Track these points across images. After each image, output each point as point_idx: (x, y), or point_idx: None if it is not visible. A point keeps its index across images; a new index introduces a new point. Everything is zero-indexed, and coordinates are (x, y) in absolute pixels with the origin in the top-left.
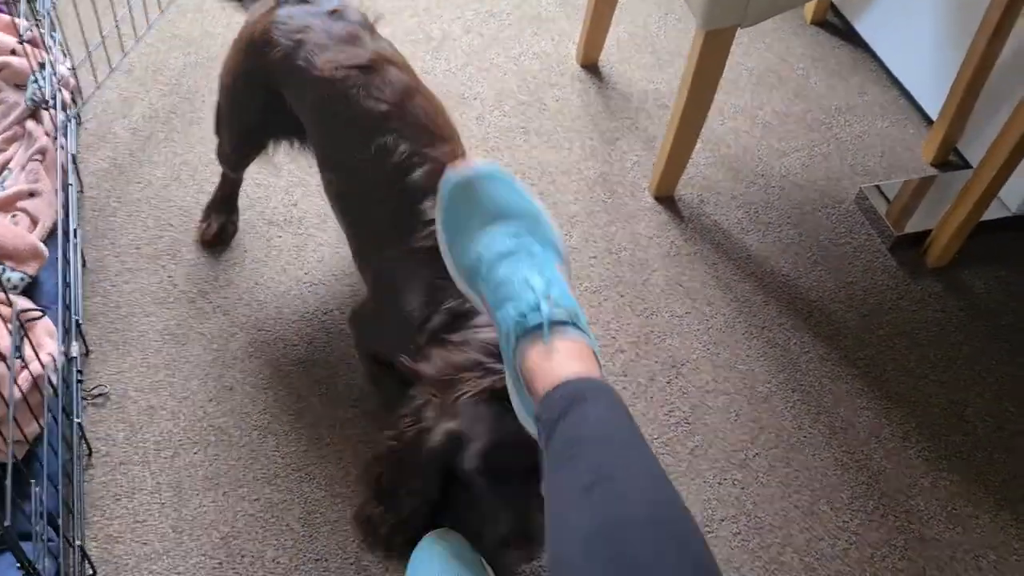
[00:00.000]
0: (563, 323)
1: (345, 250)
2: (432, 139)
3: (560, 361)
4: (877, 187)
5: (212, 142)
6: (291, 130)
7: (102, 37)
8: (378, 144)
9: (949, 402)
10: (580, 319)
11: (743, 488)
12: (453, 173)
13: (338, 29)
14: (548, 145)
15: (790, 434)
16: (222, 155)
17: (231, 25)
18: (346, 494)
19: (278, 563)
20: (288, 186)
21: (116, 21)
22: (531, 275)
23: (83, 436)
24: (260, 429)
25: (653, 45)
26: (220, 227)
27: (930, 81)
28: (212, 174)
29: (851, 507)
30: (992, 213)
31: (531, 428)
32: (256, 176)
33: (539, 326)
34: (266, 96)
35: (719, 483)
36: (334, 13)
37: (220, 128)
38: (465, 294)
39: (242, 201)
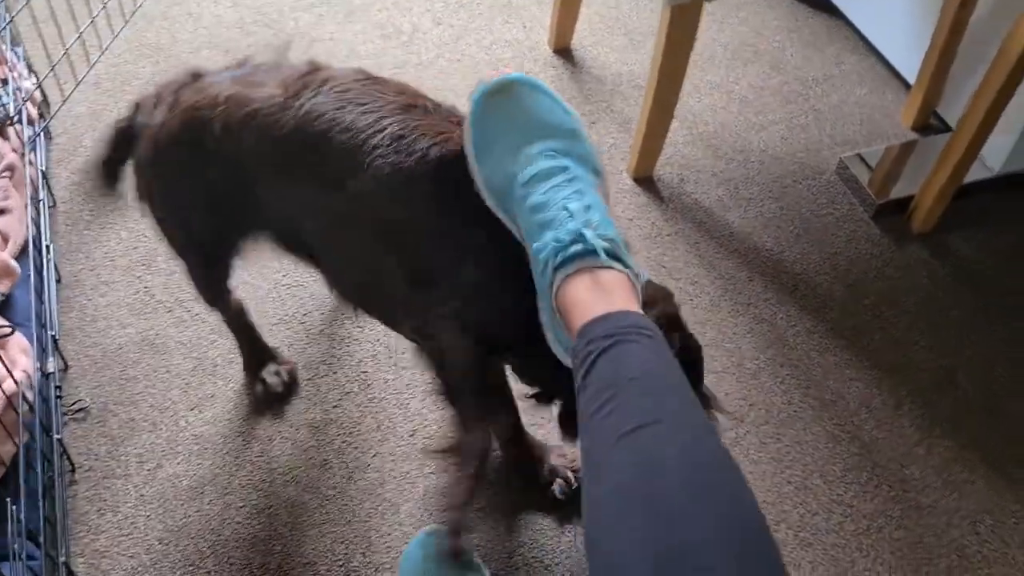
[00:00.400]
0: (605, 252)
1: None
2: (416, 110)
3: (601, 294)
4: (858, 155)
5: None
6: (256, 217)
7: (65, 50)
8: (366, 160)
9: (940, 368)
10: (622, 248)
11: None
12: (486, 81)
13: (267, 76)
14: None
15: (780, 409)
16: (198, 288)
17: (198, 31)
18: (332, 495)
19: (267, 569)
20: None
21: (80, 33)
22: (571, 199)
23: (64, 452)
24: (243, 435)
25: (625, 26)
26: (266, 385)
27: (906, 46)
28: None
29: (844, 479)
30: (975, 175)
31: (567, 362)
32: None
33: (579, 255)
34: (209, 187)
35: None
36: (259, 67)
37: (182, 259)
38: (495, 213)
39: None
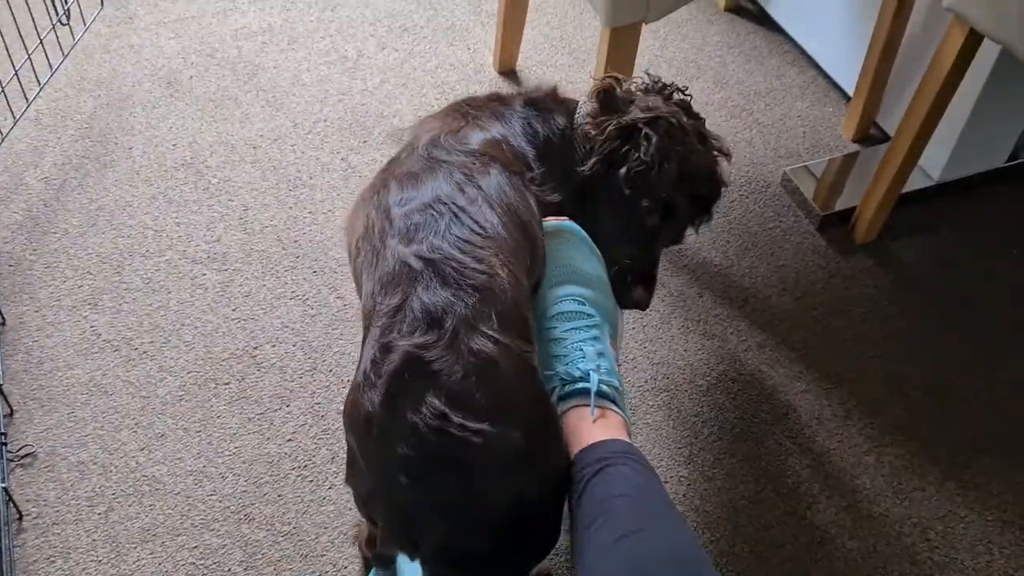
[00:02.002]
0: (605, 396)
1: (272, 282)
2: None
3: (597, 427)
4: (803, 167)
5: (128, 183)
6: None
7: (2, 88)
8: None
9: (888, 376)
10: (621, 398)
11: (690, 484)
12: (546, 222)
13: None
14: None
15: (733, 425)
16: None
17: (140, 63)
18: (288, 531)
19: None
20: (209, 222)
21: (16, 71)
22: (587, 343)
23: (11, 500)
24: (195, 474)
25: (569, 45)
26: None
27: (844, 59)
28: (129, 216)
29: (797, 491)
30: (915, 183)
31: None
32: (175, 215)
33: (583, 392)
34: None
35: (665, 482)
36: None
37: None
38: None
39: (163, 241)
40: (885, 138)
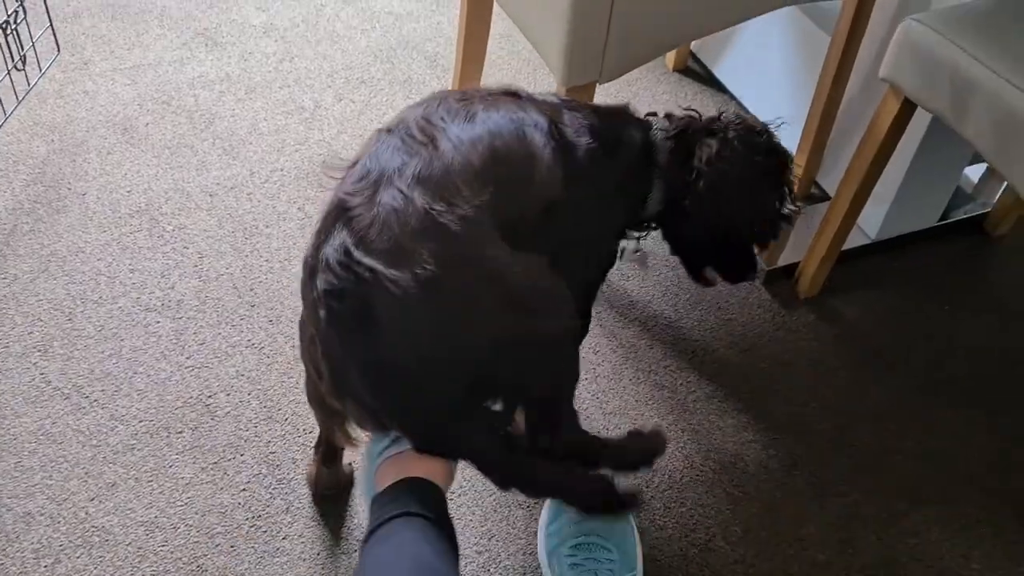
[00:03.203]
0: None
1: (227, 330)
2: None
3: None
4: None
5: (81, 229)
6: None
7: None
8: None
9: (832, 427)
10: None
11: (640, 532)
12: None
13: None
14: None
15: (682, 474)
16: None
17: (95, 109)
18: None
19: None
20: (163, 270)
21: None
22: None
23: None
24: (146, 525)
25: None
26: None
27: (786, 119)
28: (81, 263)
29: (745, 539)
30: (854, 241)
31: None
32: (129, 262)
33: None
34: None
35: None
36: None
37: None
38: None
39: (116, 288)
40: (825, 197)
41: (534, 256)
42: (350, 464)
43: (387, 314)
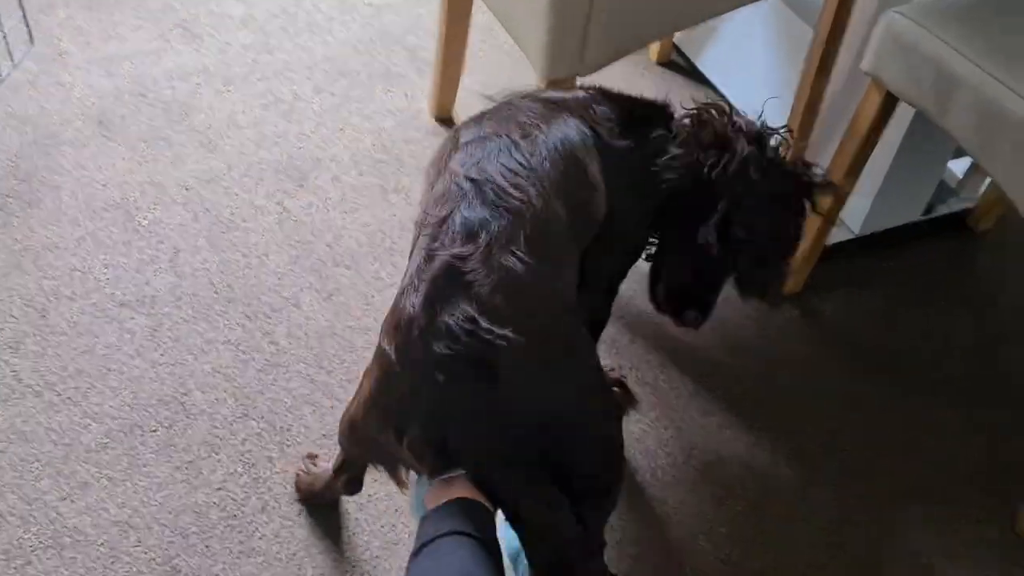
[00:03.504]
0: None
1: (202, 326)
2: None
3: None
4: None
5: (54, 223)
6: None
7: None
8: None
9: (816, 426)
10: None
11: (623, 531)
12: None
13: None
14: (407, 202)
15: (664, 472)
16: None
17: (69, 101)
18: None
19: None
20: (138, 265)
21: None
22: None
23: None
24: (119, 525)
25: (505, 93)
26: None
27: (771, 113)
28: (55, 258)
29: (731, 538)
30: (838, 236)
31: None
32: (104, 257)
33: None
34: None
35: None
36: None
37: None
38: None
39: (89, 283)
40: None
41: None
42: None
43: (507, 377)
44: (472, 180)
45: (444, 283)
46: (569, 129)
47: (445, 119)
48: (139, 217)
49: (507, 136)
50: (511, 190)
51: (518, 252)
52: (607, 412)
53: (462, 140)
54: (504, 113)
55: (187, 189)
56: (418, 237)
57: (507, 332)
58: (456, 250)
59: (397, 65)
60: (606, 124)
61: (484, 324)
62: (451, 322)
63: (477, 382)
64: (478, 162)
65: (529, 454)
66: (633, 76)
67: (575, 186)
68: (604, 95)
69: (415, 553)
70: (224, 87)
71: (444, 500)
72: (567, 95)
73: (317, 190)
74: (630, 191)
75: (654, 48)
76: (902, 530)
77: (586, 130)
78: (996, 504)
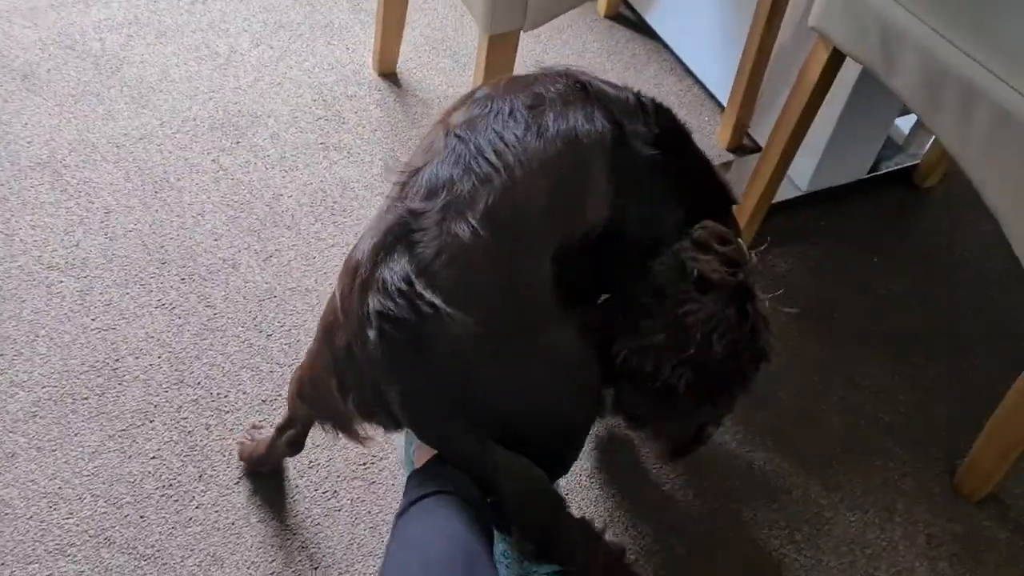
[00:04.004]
0: None
1: (135, 289)
2: None
3: None
4: None
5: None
6: None
7: None
8: None
9: (758, 383)
10: None
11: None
12: None
13: None
14: (349, 160)
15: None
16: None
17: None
18: (151, 554)
19: None
20: (67, 226)
21: None
22: None
23: None
24: (49, 496)
25: (451, 48)
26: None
27: (718, 69)
28: None
29: (673, 499)
30: (785, 193)
31: None
32: (30, 218)
33: None
34: None
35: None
36: None
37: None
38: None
39: (15, 245)
40: (757, 148)
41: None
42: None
43: (442, 352)
44: (458, 137)
45: (393, 237)
46: (590, 126)
47: (388, 74)
48: (67, 176)
49: (512, 102)
50: (490, 155)
51: (472, 221)
52: (579, 412)
53: (475, 96)
54: (526, 80)
55: (118, 147)
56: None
57: (439, 301)
58: (413, 205)
59: (339, 17)
60: (635, 127)
61: (419, 288)
62: (388, 277)
63: (406, 348)
64: (473, 120)
65: (471, 421)
66: (580, 30)
67: (571, 173)
68: (658, 109)
69: (400, 513)
70: (156, 39)
71: (431, 456)
72: (610, 89)
73: (255, 147)
74: (646, 200)
75: (602, 2)
76: (836, 482)
77: (608, 130)
78: (932, 458)
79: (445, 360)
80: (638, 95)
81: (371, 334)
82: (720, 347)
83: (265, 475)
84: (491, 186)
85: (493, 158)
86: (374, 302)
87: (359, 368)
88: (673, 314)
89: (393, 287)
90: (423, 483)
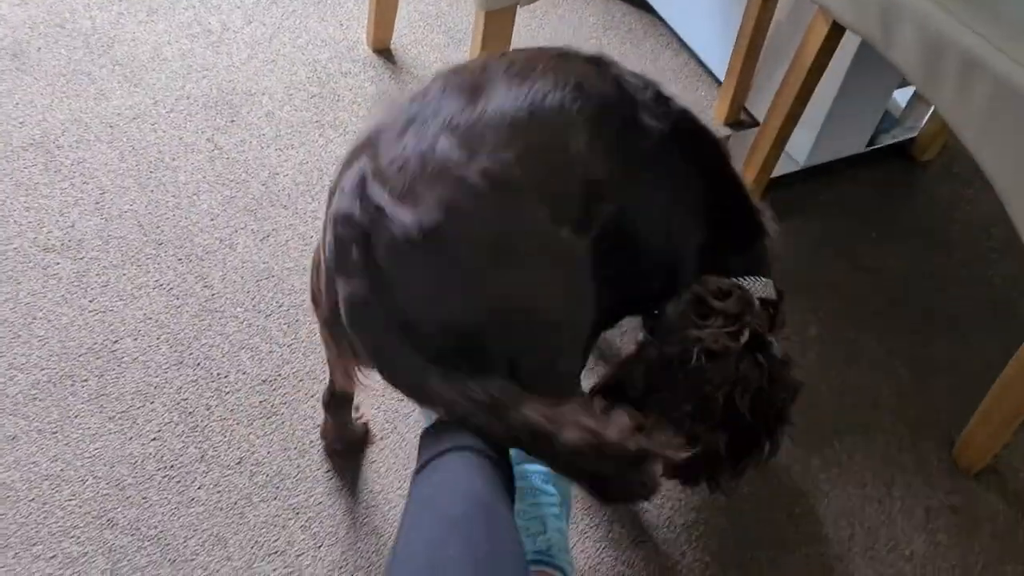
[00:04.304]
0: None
1: (132, 270)
2: None
3: None
4: None
5: None
6: None
7: None
8: None
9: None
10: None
11: None
12: None
13: None
14: (344, 138)
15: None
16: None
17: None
18: (154, 535)
19: None
20: (62, 207)
21: None
22: (548, 519)
23: None
24: (51, 478)
25: (445, 23)
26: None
27: (715, 44)
28: None
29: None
30: (784, 168)
31: None
32: (24, 199)
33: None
34: None
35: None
36: None
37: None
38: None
39: (10, 227)
40: (755, 123)
41: (562, 233)
42: (361, 419)
43: (384, 255)
44: (454, 71)
45: (360, 148)
46: (592, 81)
47: (383, 50)
48: (61, 157)
49: (520, 57)
50: (467, 85)
51: (430, 130)
52: (557, 308)
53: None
54: (515, 54)
55: (111, 126)
56: None
57: (384, 201)
58: (386, 119)
59: None
60: (649, 107)
61: (368, 189)
62: (346, 180)
63: (351, 247)
64: (468, 68)
65: (433, 350)
66: (577, 5)
67: (547, 125)
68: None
69: (418, 471)
70: (148, 16)
71: None
72: (632, 79)
73: (250, 126)
74: (656, 184)
75: None
76: (834, 457)
77: (611, 92)
78: (930, 432)
79: (391, 268)
80: (659, 89)
81: (328, 237)
82: (745, 406)
83: (341, 455)
84: (456, 103)
85: (469, 86)
86: (333, 205)
87: (320, 274)
88: (690, 383)
89: (349, 188)
90: (438, 439)
